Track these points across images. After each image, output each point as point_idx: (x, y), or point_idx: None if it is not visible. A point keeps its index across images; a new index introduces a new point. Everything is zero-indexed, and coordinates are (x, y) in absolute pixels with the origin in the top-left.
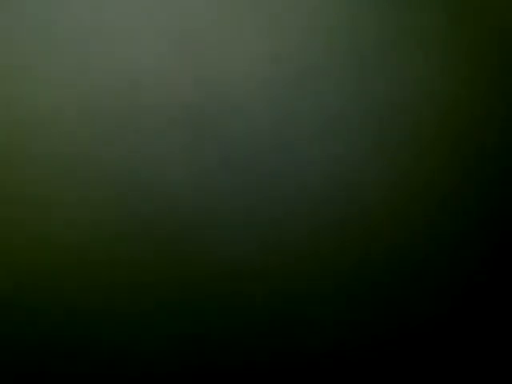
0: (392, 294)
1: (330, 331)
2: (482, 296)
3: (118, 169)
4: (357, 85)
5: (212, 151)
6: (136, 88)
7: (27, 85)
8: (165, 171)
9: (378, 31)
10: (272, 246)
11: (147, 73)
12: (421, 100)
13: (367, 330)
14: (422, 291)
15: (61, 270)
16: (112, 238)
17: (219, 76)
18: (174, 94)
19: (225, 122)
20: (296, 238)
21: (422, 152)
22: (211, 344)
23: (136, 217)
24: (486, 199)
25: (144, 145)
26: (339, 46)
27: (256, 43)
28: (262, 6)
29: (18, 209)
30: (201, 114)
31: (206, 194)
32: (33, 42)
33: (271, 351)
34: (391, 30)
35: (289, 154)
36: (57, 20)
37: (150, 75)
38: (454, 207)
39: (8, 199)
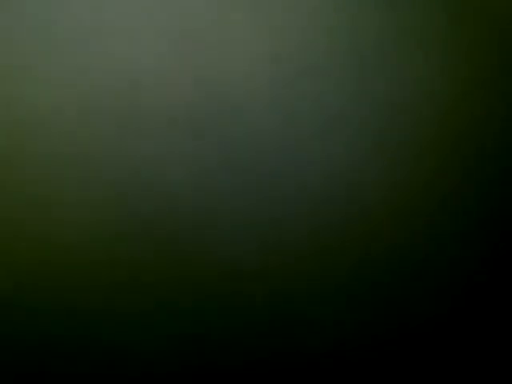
0: (392, 294)
1: (330, 331)
2: (481, 296)
3: (118, 169)
4: (357, 85)
5: (212, 151)
6: (136, 88)
7: (27, 85)
8: (165, 171)
9: (377, 31)
10: (272, 246)
11: (147, 73)
12: (421, 100)
13: (367, 330)
14: (421, 291)
15: (61, 270)
16: (112, 237)
17: (219, 76)
18: (174, 94)
19: (225, 122)
20: (296, 238)
21: (422, 152)
22: (211, 344)
23: (136, 217)
24: (486, 199)
25: (144, 145)
26: (339, 46)
27: (256, 43)
28: (262, 6)
29: (17, 209)
30: (201, 113)
31: (206, 193)
32: (33, 42)
33: (271, 351)
34: (391, 29)
35: (289, 153)
36: (57, 20)
37: (149, 75)
38: (454, 207)
39: (8, 199)
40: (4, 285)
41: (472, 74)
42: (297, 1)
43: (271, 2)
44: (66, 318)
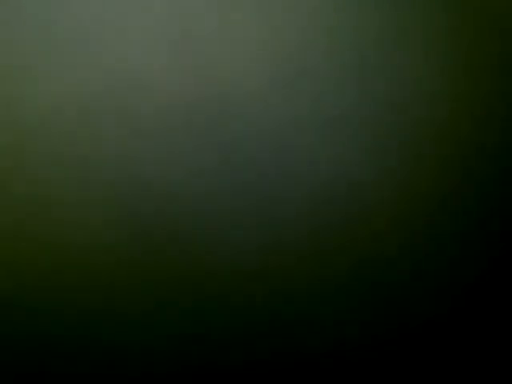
0: (392, 294)
1: (330, 331)
2: (482, 296)
3: (118, 169)
4: (357, 85)
5: (212, 151)
6: (136, 88)
7: (27, 85)
8: (165, 171)
9: (378, 31)
10: (272, 246)
11: (147, 73)
12: (421, 100)
13: (367, 330)
14: (421, 291)
15: (61, 270)
16: (112, 237)
17: (219, 76)
18: (174, 94)
19: (225, 122)
20: (296, 238)
21: (422, 152)
22: (211, 344)
23: (136, 217)
24: (487, 199)
25: (144, 145)
26: (339, 46)
27: (256, 43)
28: (263, 5)
29: (17, 209)
30: (201, 114)
31: (206, 194)
32: (33, 42)
33: (271, 351)
34: (392, 29)
35: (289, 154)
36: (57, 20)
37: (149, 75)
38: (455, 207)
39: (8, 199)
40: (4, 285)
41: (472, 74)
42: (297, 1)
43: (271, 1)
44: (66, 318)
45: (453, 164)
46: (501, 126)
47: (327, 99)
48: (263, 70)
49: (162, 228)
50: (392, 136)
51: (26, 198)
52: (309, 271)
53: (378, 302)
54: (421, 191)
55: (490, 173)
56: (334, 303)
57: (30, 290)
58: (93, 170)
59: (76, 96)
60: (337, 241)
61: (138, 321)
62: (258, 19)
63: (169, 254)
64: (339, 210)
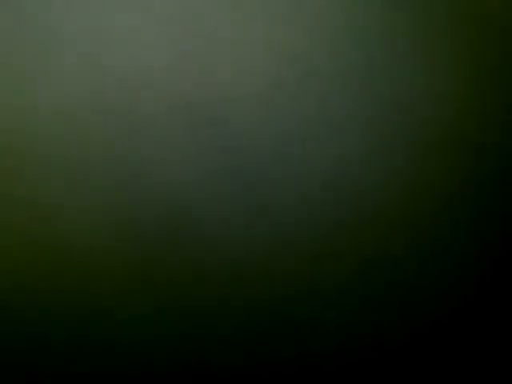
0: (394, 296)
1: (331, 332)
2: (482, 296)
3: (118, 170)
4: (363, 85)
5: (212, 152)
6: (136, 88)
7: (27, 85)
8: (165, 172)
9: (384, 32)
10: (275, 248)
11: (147, 73)
12: (428, 100)
13: (369, 332)
14: (427, 291)
15: (60, 274)
16: (112, 239)
17: (219, 76)
18: (174, 95)
19: (225, 123)
20: (296, 239)
21: (428, 152)
22: (211, 345)
23: (136, 218)
24: (494, 199)
25: (144, 145)
26: (346, 47)
27: (258, 43)
28: (268, 6)
29: (18, 212)
30: (201, 114)
31: (206, 194)
32: (33, 42)
33: (271, 352)
34: (398, 30)
35: (294, 154)
36: (57, 20)
37: (150, 75)
38: (461, 207)
39: (8, 203)
40: (5, 286)
41: (478, 75)
42: (303, 1)
43: (277, 1)
44: (67, 319)
45: (459, 164)
46: (506, 126)
47: (333, 99)
48: (269, 70)
49: (162, 229)
50: (398, 136)
51: (26, 202)
52: (310, 273)
53: (379, 304)
54: (427, 191)
55: (496, 173)
56: (339, 305)
57: (30, 292)
58: (92, 173)
59: (76, 97)
60: (338, 242)
61: (138, 321)
62: (264, 20)
63: (168, 257)
64: (345, 211)
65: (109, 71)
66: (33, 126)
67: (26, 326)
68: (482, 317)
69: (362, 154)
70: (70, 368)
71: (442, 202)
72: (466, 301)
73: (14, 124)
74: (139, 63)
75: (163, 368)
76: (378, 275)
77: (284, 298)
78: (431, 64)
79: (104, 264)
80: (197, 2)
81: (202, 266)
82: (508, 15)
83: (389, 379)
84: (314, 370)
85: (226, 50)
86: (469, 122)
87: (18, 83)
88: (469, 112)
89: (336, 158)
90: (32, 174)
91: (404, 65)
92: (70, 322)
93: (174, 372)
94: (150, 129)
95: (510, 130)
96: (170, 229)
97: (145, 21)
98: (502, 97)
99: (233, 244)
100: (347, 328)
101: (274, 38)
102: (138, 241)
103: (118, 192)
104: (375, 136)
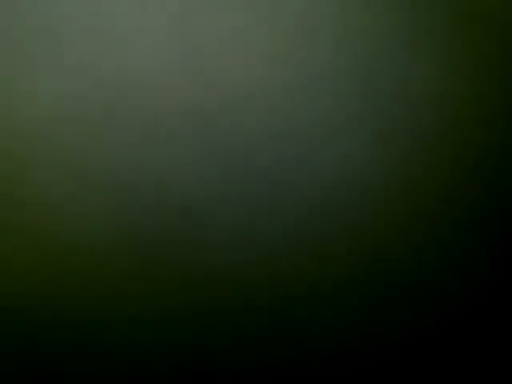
0: (394, 296)
1: (331, 332)
2: (482, 296)
3: (118, 172)
4: (364, 86)
5: (212, 152)
6: (136, 89)
7: (27, 85)
8: (165, 173)
9: (385, 32)
10: (272, 247)
11: (148, 74)
12: (429, 100)
13: (369, 332)
14: (424, 292)
15: (60, 278)
16: (112, 241)
17: (220, 76)
18: (174, 95)
19: (225, 123)
20: (297, 239)
21: (429, 153)
22: (212, 345)
23: (136, 220)
24: (495, 199)
25: (144, 147)
26: (346, 47)
27: (262, 44)
28: (270, 6)
29: (18, 216)
30: (201, 114)
31: (206, 195)
32: (33, 42)
33: (272, 352)
34: (400, 30)
35: (293, 155)
36: (57, 20)
37: (150, 76)
38: (463, 207)
39: (8, 207)
40: (6, 289)
41: (479, 75)
42: (305, 2)
43: (279, 2)
44: (67, 319)
45: (460, 164)
46: (507, 126)
47: (334, 100)
48: (276, 71)
49: (162, 231)
50: (398, 136)
51: (26, 205)
52: (310, 274)
53: (379, 304)
54: (427, 191)
55: (497, 173)
56: (339, 305)
57: (31, 295)
58: (92, 175)
59: (75, 99)
60: (339, 243)
61: (138, 324)
62: (265, 20)
63: (169, 261)
64: (345, 212)
65: (109, 72)
66: (32, 129)
67: (27, 328)
68: (482, 317)
69: (362, 154)
70: (71, 368)
71: (442, 202)
72: (466, 301)
73: (14, 128)
74: (139, 64)
75: (163, 368)
76: (378, 275)
77: (284, 298)
78: (432, 65)
79: (104, 266)
80: (197, 2)
81: (202, 266)
82: (508, 15)
83: (389, 379)
84: (314, 369)
85: (226, 50)
86: (469, 122)
87: (17, 83)
88: (469, 112)
89: (336, 158)
90: (32, 177)
91: (405, 65)
92: (70, 323)
93: (174, 372)
94: (150, 130)
95: (510, 130)
96: (170, 229)
97: (145, 21)
98: (502, 97)
99: (233, 244)
100: (347, 328)
101: (274, 38)
102: (139, 242)
103: (119, 194)
104: (375, 136)
